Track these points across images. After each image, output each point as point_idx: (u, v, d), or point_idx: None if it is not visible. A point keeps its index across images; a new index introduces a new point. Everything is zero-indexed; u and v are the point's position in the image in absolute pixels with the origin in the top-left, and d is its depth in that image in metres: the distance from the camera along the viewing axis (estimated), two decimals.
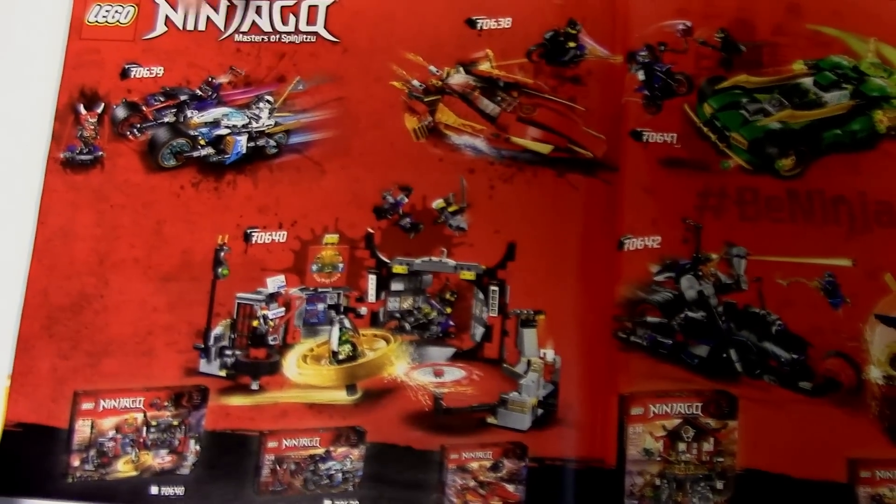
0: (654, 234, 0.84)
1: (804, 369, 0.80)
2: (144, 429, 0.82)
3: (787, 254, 0.83)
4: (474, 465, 0.80)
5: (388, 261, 0.85)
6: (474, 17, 0.91)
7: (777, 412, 0.79)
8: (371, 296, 0.85)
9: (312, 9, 0.92)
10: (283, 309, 0.85)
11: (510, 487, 0.79)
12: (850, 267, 0.82)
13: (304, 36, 0.91)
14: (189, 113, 0.91)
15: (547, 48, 0.90)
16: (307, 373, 0.83)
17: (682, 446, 0.79)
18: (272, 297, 0.85)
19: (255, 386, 0.83)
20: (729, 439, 0.79)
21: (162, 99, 0.91)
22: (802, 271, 0.83)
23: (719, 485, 0.78)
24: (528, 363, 0.82)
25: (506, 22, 0.90)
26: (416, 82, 0.90)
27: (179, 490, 0.80)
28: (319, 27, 0.92)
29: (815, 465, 0.78)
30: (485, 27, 0.90)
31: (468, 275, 0.84)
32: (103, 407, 0.82)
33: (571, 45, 0.89)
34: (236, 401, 0.82)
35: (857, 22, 0.89)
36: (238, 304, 0.85)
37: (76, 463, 0.81)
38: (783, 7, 0.89)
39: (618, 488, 0.78)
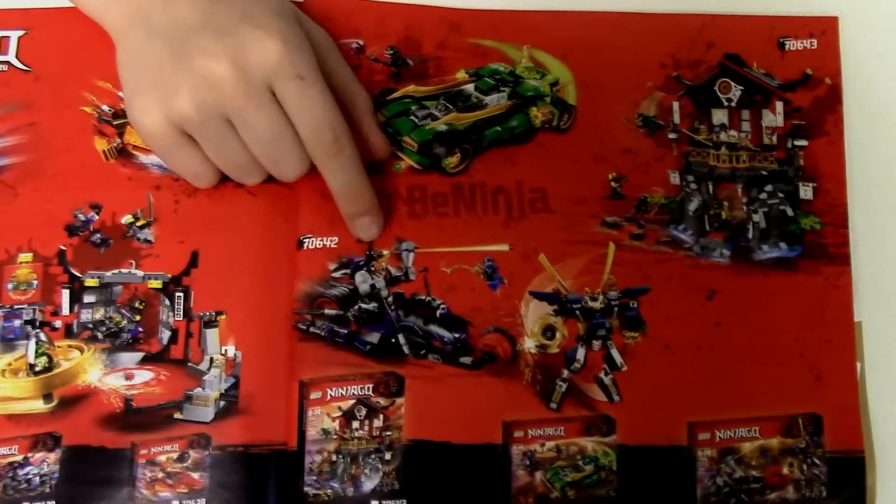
0: (333, 235, 0.91)
1: (465, 346, 0.88)
2: None
3: (452, 244, 0.91)
4: (162, 457, 0.85)
5: (80, 275, 0.90)
6: None
7: (439, 387, 0.87)
8: (65, 309, 0.89)
9: (4, 40, 0.96)
10: None
11: (195, 475, 0.84)
12: (508, 251, 0.91)
13: None
14: None
15: None
16: (5, 386, 0.87)
17: (355, 424, 0.86)
18: None
19: None
20: (396, 415, 0.86)
21: None
22: (465, 259, 0.91)
23: (388, 456, 0.85)
24: (211, 360, 0.87)
25: None
26: (105, 107, 0.94)
27: None
28: (11, 57, 0.95)
29: (475, 431, 0.86)
30: None
31: (155, 283, 0.90)
32: None
33: None
34: None
35: (511, 33, 0.98)
36: None
37: None
38: (446, 26, 0.98)
39: (298, 467, 0.84)
